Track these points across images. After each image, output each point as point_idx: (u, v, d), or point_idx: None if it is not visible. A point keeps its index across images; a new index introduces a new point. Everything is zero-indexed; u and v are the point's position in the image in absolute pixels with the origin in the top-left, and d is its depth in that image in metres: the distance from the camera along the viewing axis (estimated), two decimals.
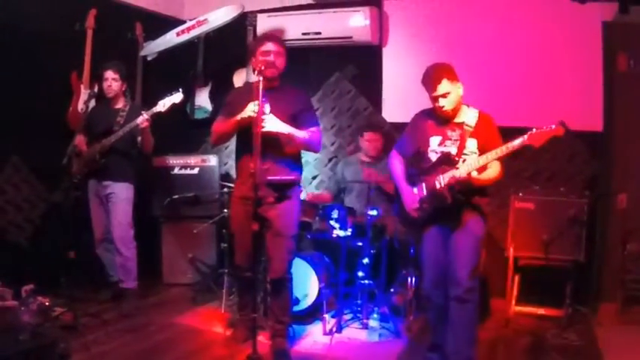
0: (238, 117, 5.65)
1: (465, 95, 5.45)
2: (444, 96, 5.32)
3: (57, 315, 6.25)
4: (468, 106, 5.53)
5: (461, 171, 5.21)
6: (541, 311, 7.15)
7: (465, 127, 5.38)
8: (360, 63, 8.62)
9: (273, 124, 5.57)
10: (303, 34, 8.09)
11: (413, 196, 5.61)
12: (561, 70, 7.40)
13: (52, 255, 7.29)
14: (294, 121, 5.83)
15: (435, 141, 5.52)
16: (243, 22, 8.48)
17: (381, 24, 8.29)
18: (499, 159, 5.19)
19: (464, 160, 5.30)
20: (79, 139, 6.99)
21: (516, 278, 7.19)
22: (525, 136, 5.03)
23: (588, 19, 7.26)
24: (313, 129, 5.94)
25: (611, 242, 7.25)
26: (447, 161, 5.37)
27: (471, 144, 5.38)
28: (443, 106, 5.35)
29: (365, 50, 8.37)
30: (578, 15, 7.24)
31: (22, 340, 5.36)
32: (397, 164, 5.87)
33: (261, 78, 5.37)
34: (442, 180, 5.34)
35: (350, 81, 8.68)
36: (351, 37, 8.10)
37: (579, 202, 7.07)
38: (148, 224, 8.14)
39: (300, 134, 5.79)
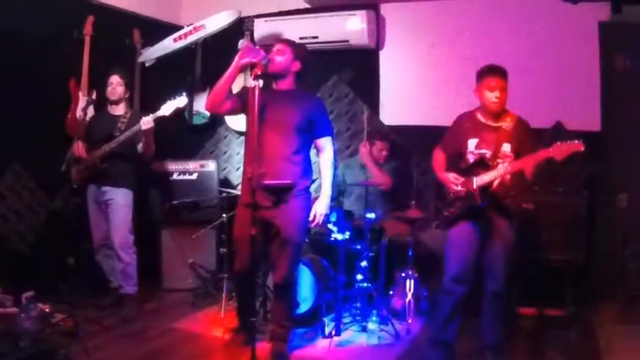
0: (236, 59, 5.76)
1: (462, 96, 5.55)
2: (501, 89, 5.56)
3: (57, 321, 6.23)
4: (507, 111, 5.70)
5: (484, 178, 5.52)
6: (541, 311, 7.14)
7: (502, 132, 5.58)
8: (357, 66, 8.64)
9: (321, 213, 5.95)
10: (300, 38, 8.03)
11: (454, 178, 5.77)
12: (559, 71, 7.43)
13: (53, 262, 7.32)
14: (306, 125, 5.88)
15: (472, 143, 5.73)
16: (240, 27, 8.48)
17: (377, 27, 8.31)
18: (522, 168, 5.38)
19: (497, 164, 5.48)
20: (78, 146, 7.01)
21: (516, 279, 7.20)
22: (550, 149, 5.18)
23: (584, 20, 7.29)
24: (323, 141, 6.04)
25: (612, 242, 7.27)
26: (482, 164, 5.60)
27: (506, 148, 5.55)
28: (498, 97, 5.56)
29: (362, 53, 8.41)
30: (575, 15, 7.27)
31: (23, 346, 5.37)
32: (439, 159, 6.07)
33: (259, 82, 5.41)
34: (475, 182, 5.57)
35: (347, 84, 8.70)
36: (347, 41, 8.12)
37: (578, 202, 7.08)
38: (147, 230, 8.14)
39: (330, 179, 6.05)
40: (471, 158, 5.70)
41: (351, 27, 8.05)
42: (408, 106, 8.11)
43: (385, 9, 8.36)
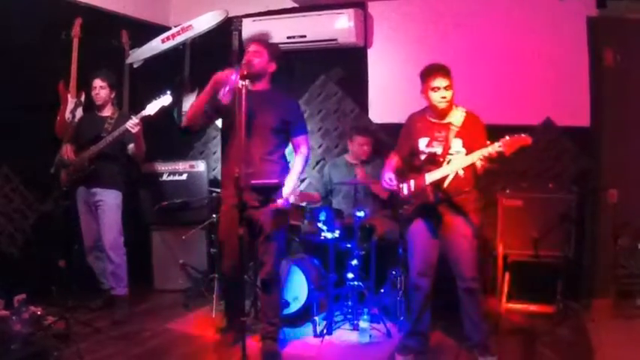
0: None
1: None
2: (447, 88, 5.65)
3: (49, 324, 6.25)
4: (457, 106, 5.78)
5: (435, 175, 5.63)
6: (532, 308, 7.14)
7: (451, 128, 5.68)
8: (345, 65, 8.65)
9: (287, 194, 5.88)
10: (288, 37, 8.11)
11: (388, 179, 5.94)
12: (547, 67, 7.43)
13: (44, 264, 7.30)
14: (283, 126, 5.92)
15: (423, 142, 5.83)
16: (228, 27, 8.43)
17: (365, 26, 8.32)
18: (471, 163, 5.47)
19: (449, 161, 5.59)
20: (66, 148, 6.99)
21: (506, 276, 7.20)
22: (498, 144, 5.27)
23: (573, 15, 7.29)
24: (300, 138, 6.10)
25: (603, 237, 7.28)
26: (432, 161, 5.70)
27: (456, 144, 5.67)
28: (444, 97, 5.64)
29: (350, 52, 8.41)
30: (563, 11, 7.29)
31: (15, 349, 5.39)
32: (392, 161, 6.14)
33: (246, 82, 5.42)
34: (426, 179, 5.66)
35: (336, 83, 8.70)
36: (335, 40, 8.12)
37: (567, 198, 7.10)
38: (138, 231, 8.15)
39: (299, 169, 6.07)
40: (422, 157, 5.82)
41: (339, 26, 8.05)
42: (397, 104, 8.05)
43: (373, 7, 8.35)
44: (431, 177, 5.64)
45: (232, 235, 5.69)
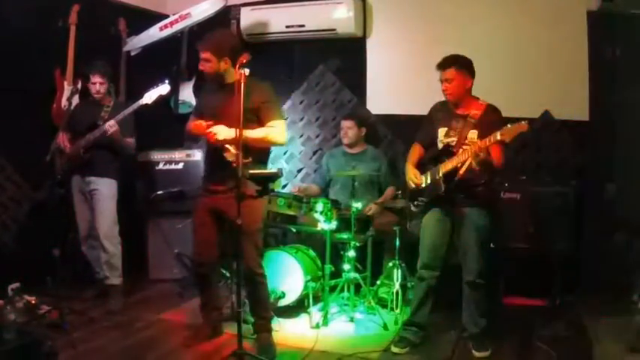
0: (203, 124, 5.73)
1: None
2: (449, 81, 5.72)
3: (43, 313, 6.22)
4: (478, 99, 5.84)
5: (447, 165, 5.64)
6: (529, 302, 7.15)
7: (469, 119, 5.72)
8: (344, 55, 8.62)
9: (224, 134, 5.58)
10: (287, 26, 8.10)
11: (415, 172, 5.99)
12: (547, 60, 7.42)
13: (38, 253, 7.27)
14: (248, 114, 5.55)
15: (442, 132, 5.92)
16: (226, 15, 8.47)
17: (364, 16, 8.29)
18: (478, 154, 5.36)
19: (464, 151, 5.56)
20: (62, 137, 6.96)
21: (503, 269, 7.19)
22: (498, 132, 5.23)
23: (573, 9, 7.27)
24: (273, 123, 5.78)
25: (600, 232, 7.27)
26: (447, 152, 5.75)
27: (472, 135, 5.67)
28: (445, 90, 5.77)
29: (349, 42, 8.38)
30: (564, 5, 7.26)
31: (8, 338, 5.33)
32: (414, 151, 6.22)
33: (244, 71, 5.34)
34: (440, 170, 5.71)
35: (334, 73, 8.68)
36: (334, 30, 8.10)
37: (565, 191, 7.08)
38: (133, 220, 8.11)
39: (255, 134, 5.65)
40: (440, 147, 5.88)
41: (338, 15, 8.04)
42: (396, 95, 8.09)
43: None
44: (443, 168, 5.67)
45: (202, 222, 5.94)
